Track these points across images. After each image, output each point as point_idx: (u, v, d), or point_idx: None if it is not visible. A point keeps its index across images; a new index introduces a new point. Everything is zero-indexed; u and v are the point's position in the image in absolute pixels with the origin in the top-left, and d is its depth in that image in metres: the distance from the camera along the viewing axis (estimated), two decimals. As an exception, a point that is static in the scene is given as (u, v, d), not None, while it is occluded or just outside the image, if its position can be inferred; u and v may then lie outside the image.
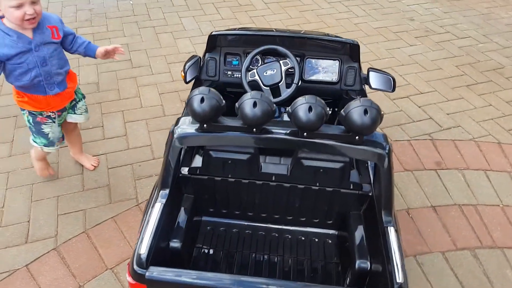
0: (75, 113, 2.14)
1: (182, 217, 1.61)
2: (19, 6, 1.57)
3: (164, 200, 1.45)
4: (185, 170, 1.65)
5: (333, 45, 2.07)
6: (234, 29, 2.41)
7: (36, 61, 1.78)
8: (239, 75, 2.07)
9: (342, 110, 1.26)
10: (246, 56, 2.05)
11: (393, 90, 2.04)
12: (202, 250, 1.75)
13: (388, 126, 2.93)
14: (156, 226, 1.37)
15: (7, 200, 2.31)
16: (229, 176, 1.63)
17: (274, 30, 2.38)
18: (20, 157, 2.58)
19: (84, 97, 2.19)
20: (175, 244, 1.53)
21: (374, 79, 2.03)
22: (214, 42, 2.08)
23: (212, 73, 2.12)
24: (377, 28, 4.20)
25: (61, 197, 2.34)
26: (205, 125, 1.33)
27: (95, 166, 2.52)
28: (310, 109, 1.22)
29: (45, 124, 2.01)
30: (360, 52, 2.06)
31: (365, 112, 1.21)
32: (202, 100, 1.25)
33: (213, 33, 2.05)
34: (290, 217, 1.79)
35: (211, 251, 1.74)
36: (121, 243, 2.12)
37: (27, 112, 1.97)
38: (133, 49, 3.69)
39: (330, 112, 2.27)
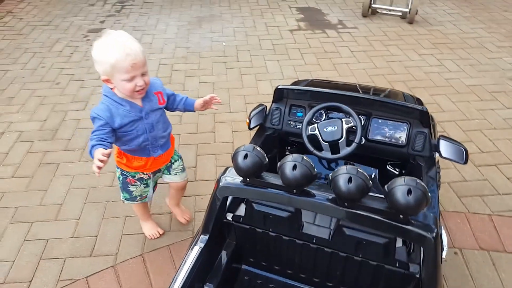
0: (170, 174, 2.19)
1: (221, 262, 1.63)
2: (131, 79, 1.64)
3: (202, 245, 1.50)
4: (230, 216, 1.68)
5: (402, 108, 2.00)
6: (303, 81, 2.45)
7: (145, 128, 1.83)
8: (301, 126, 2.09)
9: (386, 185, 1.20)
10: (310, 110, 2.07)
11: (465, 162, 1.88)
12: None
13: (467, 195, 2.67)
14: (191, 269, 1.41)
15: (83, 214, 2.57)
16: (270, 230, 1.62)
17: (357, 85, 2.34)
18: (102, 175, 2.85)
19: (181, 158, 2.23)
20: None
21: (445, 148, 1.91)
22: (280, 94, 2.15)
23: (276, 122, 2.17)
24: (470, 85, 3.91)
25: (128, 218, 2.53)
26: (248, 179, 1.37)
27: (187, 221, 2.49)
28: (350, 180, 1.18)
29: (132, 185, 2.09)
30: (430, 119, 1.97)
31: (409, 192, 1.13)
32: (245, 156, 1.31)
33: (279, 87, 2.12)
34: (331, 284, 1.70)
35: None
36: (171, 272, 2.20)
37: (120, 170, 2.05)
38: (218, 87, 3.95)
39: (397, 172, 2.20)
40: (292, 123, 2.15)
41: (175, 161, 2.18)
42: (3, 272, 2.21)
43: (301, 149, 2.16)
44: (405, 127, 1.99)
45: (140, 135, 1.83)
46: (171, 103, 2.00)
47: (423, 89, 3.85)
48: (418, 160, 1.96)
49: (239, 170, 1.34)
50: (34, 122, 3.42)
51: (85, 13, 5.69)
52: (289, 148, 2.36)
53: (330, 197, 1.30)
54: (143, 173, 2.05)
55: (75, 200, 2.67)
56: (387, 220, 1.23)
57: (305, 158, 1.27)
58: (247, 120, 2.18)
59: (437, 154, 1.97)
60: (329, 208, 1.29)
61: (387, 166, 2.22)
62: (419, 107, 1.94)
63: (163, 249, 2.33)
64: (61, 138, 3.23)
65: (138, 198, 2.17)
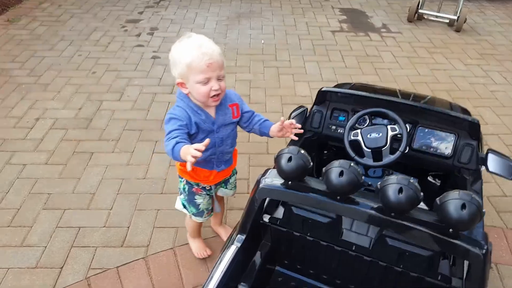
0: (226, 188, 2.06)
1: (255, 262, 1.62)
2: (206, 81, 1.52)
3: (239, 244, 1.49)
4: (267, 217, 1.66)
5: (451, 118, 1.93)
6: (346, 84, 2.39)
7: (215, 142, 1.70)
8: (343, 131, 2.05)
9: (438, 198, 1.14)
10: (354, 114, 2.02)
11: None
12: None
13: (506, 211, 2.57)
14: (226, 268, 1.40)
15: (115, 204, 2.54)
16: (308, 234, 1.60)
17: (397, 90, 2.29)
18: (135, 167, 2.84)
19: (236, 173, 2.12)
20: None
21: (493, 162, 1.85)
22: (323, 97, 2.11)
23: (316, 125, 2.13)
24: (517, 99, 3.75)
25: (161, 211, 2.49)
26: (290, 182, 1.34)
27: None
28: (400, 190, 1.14)
29: (199, 195, 1.95)
30: (480, 131, 1.88)
31: (463, 206, 1.08)
32: (289, 159, 1.27)
33: (323, 89, 2.08)
34: None
35: None
36: (201, 267, 2.18)
37: (185, 181, 1.92)
38: (254, 86, 3.87)
39: (438, 183, 2.13)
40: (333, 127, 2.12)
41: (233, 175, 2.07)
42: (35, 257, 2.20)
43: (340, 154, 2.13)
44: (452, 138, 1.94)
45: (208, 148, 1.65)
46: (247, 122, 1.81)
47: (467, 100, 3.71)
48: (463, 173, 1.91)
49: (282, 173, 1.32)
50: (69, 110, 3.42)
51: (124, 3, 5.72)
52: (326, 152, 2.32)
53: (376, 206, 1.26)
54: (206, 184, 1.92)
55: (108, 190, 2.65)
56: (436, 234, 1.19)
57: (352, 164, 1.23)
58: None
59: (482, 168, 1.93)
60: (375, 217, 1.26)
61: (428, 177, 2.17)
62: (470, 118, 1.88)
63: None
64: (96, 128, 3.22)
65: (205, 213, 2.02)
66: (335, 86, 2.40)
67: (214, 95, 1.56)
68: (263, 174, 1.45)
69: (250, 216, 1.51)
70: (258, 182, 1.42)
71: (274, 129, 1.76)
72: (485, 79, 4.07)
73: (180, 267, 2.17)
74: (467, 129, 1.90)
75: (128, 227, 2.39)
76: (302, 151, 1.29)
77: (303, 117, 2.14)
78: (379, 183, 1.21)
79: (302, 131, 1.76)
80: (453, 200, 1.11)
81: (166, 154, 1.50)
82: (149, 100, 3.59)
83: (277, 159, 1.31)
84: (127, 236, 2.33)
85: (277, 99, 3.66)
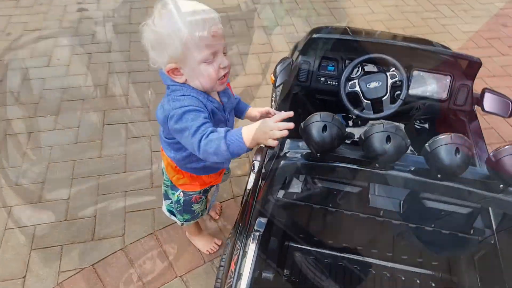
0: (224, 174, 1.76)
1: (272, 243, 1.49)
2: (213, 57, 1.15)
3: (262, 230, 1.32)
4: (278, 193, 1.49)
5: (447, 59, 1.85)
6: (324, 29, 2.19)
7: None
8: (333, 82, 1.90)
9: (492, 154, 1.04)
10: (345, 63, 1.87)
11: (510, 115, 1.79)
12: (292, 279, 1.62)
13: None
14: (255, 259, 1.22)
15: (73, 192, 2.19)
16: (330, 205, 1.48)
17: (394, 34, 2.16)
18: (86, 144, 2.46)
19: None
20: (267, 274, 1.42)
21: (489, 102, 1.82)
22: (312, 45, 1.89)
23: (304, 78, 1.93)
24: (466, 32, 3.80)
25: (129, 193, 2.20)
26: (318, 154, 1.13)
27: (219, 215, 2.16)
28: (457, 151, 0.99)
29: (197, 203, 1.65)
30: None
31: None
32: (324, 128, 1.05)
33: (313, 37, 1.86)
34: (390, 254, 1.62)
35: (301, 282, 1.61)
36: (190, 249, 1.98)
37: (181, 192, 1.59)
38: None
39: (427, 127, 2.08)
40: (322, 78, 1.94)
41: None
42: (-14, 270, 1.84)
43: (328, 108, 1.98)
44: (448, 80, 1.87)
45: None
46: None
47: (422, 36, 3.66)
48: (459, 115, 1.88)
49: (314, 145, 1.10)
50: (-13, 83, 2.85)
51: None
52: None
53: (418, 169, 1.12)
54: (208, 186, 1.63)
55: (60, 176, 2.27)
56: (485, 192, 1.09)
57: (398, 127, 1.05)
58: (272, 77, 1.93)
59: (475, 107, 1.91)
60: (420, 182, 1.12)
61: (415, 122, 2.13)
62: (472, 58, 1.80)
63: (175, 224, 2.00)
64: (26, 102, 2.72)
65: (200, 214, 1.75)
66: (310, 33, 2.20)
67: (221, 77, 1.20)
68: (282, 147, 1.23)
69: (271, 196, 1.33)
70: (279, 156, 1.21)
71: (250, 114, 1.44)
72: (436, 13, 4.05)
73: (167, 252, 1.96)
74: (464, 69, 1.84)
75: (94, 217, 2.08)
76: (336, 117, 1.09)
77: (289, 70, 1.93)
78: (427, 144, 1.05)
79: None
80: (510, 156, 0.99)
81: (211, 155, 1.09)
82: (85, 62, 3.09)
83: (307, 128, 1.07)
84: (96, 227, 2.03)
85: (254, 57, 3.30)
